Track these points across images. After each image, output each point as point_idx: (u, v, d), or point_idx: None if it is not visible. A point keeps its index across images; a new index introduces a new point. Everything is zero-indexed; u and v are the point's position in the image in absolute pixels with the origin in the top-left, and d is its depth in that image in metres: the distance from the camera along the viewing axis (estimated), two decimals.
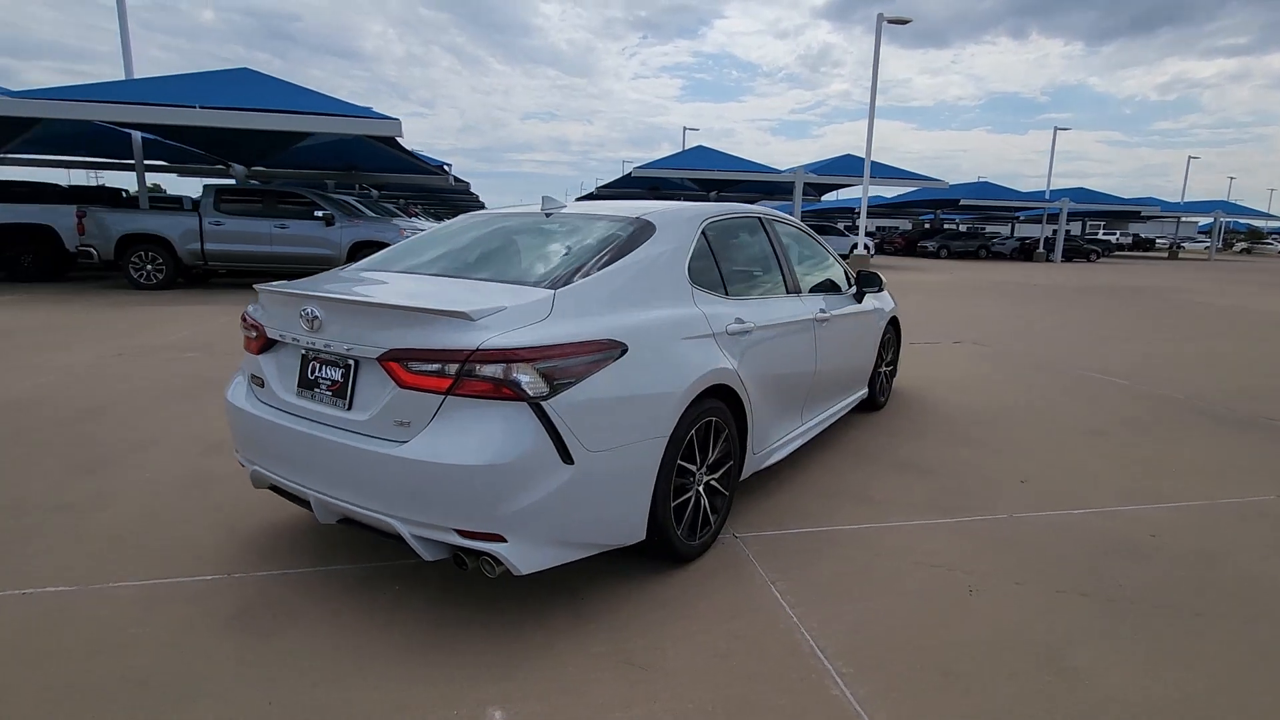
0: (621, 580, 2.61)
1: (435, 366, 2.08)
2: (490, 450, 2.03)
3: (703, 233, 3.07)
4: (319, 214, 11.28)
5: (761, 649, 2.20)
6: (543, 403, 2.10)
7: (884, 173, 24.55)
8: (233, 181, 18.61)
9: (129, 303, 9.94)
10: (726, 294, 3.05)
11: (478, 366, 2.05)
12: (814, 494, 3.49)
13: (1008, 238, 37.51)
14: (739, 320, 2.97)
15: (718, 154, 25.10)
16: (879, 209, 39.91)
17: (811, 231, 4.30)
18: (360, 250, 11.20)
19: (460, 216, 3.50)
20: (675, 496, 2.59)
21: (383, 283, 2.69)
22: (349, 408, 2.26)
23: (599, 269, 2.55)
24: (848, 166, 24.52)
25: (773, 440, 3.33)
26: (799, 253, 4.04)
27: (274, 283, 2.61)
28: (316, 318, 2.30)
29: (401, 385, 2.12)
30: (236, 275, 13.96)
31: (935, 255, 33.84)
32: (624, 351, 2.34)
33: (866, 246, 21.11)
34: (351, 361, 2.27)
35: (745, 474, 3.11)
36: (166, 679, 2.01)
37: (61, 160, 20.33)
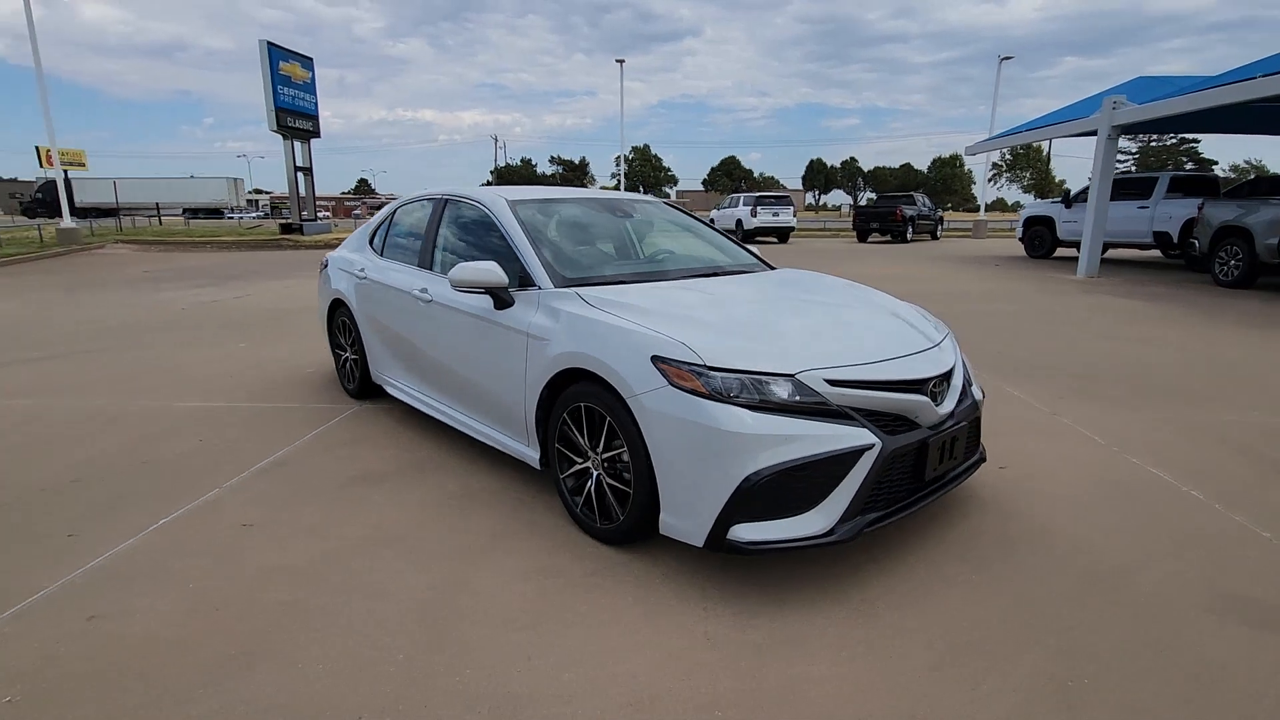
0: None
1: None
2: None
3: (393, 212, 4.63)
4: None
5: None
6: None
7: None
8: None
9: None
10: (381, 254, 4.50)
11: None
12: None
13: None
14: (361, 270, 4.51)
15: None
16: None
17: (507, 227, 3.44)
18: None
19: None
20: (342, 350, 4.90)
21: None
22: None
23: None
24: None
25: (391, 375, 4.29)
26: (472, 240, 3.93)
27: None
28: None
29: None
30: None
31: None
32: (325, 265, 5.02)
33: None
34: None
35: (374, 374, 4.52)
36: None
37: None
